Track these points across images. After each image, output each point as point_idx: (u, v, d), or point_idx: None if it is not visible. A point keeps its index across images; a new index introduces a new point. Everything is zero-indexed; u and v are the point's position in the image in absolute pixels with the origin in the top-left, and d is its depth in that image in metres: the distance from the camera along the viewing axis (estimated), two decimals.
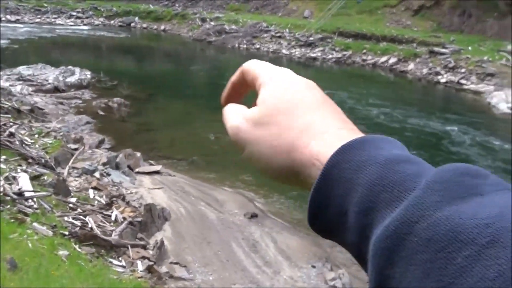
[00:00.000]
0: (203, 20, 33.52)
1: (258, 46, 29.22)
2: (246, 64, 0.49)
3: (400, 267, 0.28)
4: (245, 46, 29.34)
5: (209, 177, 9.57)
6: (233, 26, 31.46)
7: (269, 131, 0.41)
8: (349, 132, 0.39)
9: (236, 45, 29.42)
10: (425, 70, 23.29)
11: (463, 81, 21.53)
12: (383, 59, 25.30)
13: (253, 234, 7.24)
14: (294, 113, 0.41)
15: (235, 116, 0.46)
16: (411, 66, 24.14)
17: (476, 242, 0.25)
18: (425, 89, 21.64)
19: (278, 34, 29.87)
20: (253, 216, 7.86)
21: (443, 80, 22.08)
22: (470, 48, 24.33)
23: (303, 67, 25.65)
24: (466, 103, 19.02)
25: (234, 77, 0.51)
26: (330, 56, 26.73)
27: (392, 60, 24.94)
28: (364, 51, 26.34)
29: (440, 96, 20.69)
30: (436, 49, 24.43)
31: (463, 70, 22.25)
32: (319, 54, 27.14)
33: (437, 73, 22.73)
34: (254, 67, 0.48)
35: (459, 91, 20.82)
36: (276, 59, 27.10)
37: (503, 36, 25.87)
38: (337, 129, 0.39)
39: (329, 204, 0.35)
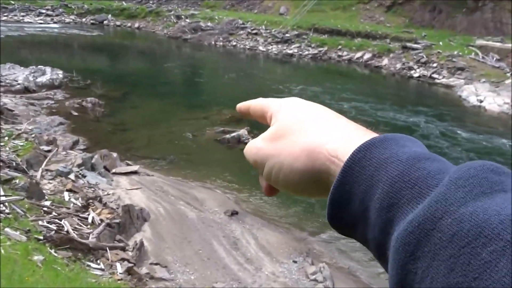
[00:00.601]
0: (178, 17, 33.15)
1: (234, 43, 29.12)
2: (254, 102, 0.51)
3: (423, 262, 0.28)
4: (221, 43, 29.19)
5: (188, 176, 9.49)
6: (209, 23, 31.24)
7: (286, 141, 0.42)
8: (365, 132, 0.40)
9: (213, 43, 29.24)
10: (398, 65, 23.73)
11: (435, 76, 22.05)
12: (358, 54, 25.63)
13: (233, 231, 7.22)
14: (309, 122, 0.43)
15: (253, 140, 0.48)
16: (385, 61, 24.55)
17: (501, 237, 0.25)
18: (399, 83, 22.05)
19: (254, 31, 29.84)
20: (234, 213, 7.84)
21: (416, 75, 22.55)
22: (441, 43, 24.92)
23: (280, 63, 25.72)
24: (438, 96, 19.49)
25: (252, 104, 0.52)
26: (307, 52, 26.90)
27: (367, 55, 25.29)
28: (340, 47, 26.62)
29: (413, 90, 21.12)
30: (408, 44, 24.92)
31: (434, 65, 22.79)
32: (295, 50, 27.27)
33: (410, 68, 23.20)
34: (263, 103, 0.50)
35: (431, 85, 21.31)
36: (253, 56, 27.09)
37: (472, 31, 26.62)
38: (353, 130, 0.41)
39: (350, 201, 0.35)
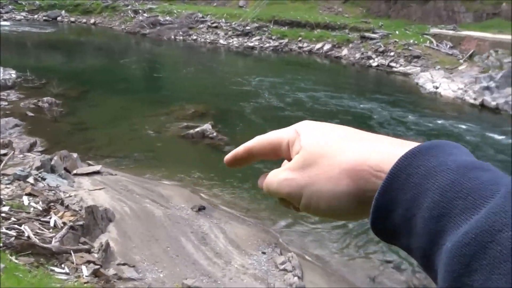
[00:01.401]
0: (136, 12, 32.34)
1: (195, 37, 28.78)
2: (255, 142, 0.48)
3: (480, 275, 0.27)
4: (181, 37, 28.77)
5: (153, 173, 9.36)
6: (168, 17, 30.69)
7: (320, 166, 0.40)
8: (403, 142, 0.39)
9: (172, 37, 28.76)
10: (357, 55, 24.26)
11: (392, 64, 22.72)
12: (318, 45, 25.97)
13: (201, 226, 7.21)
14: (339, 143, 0.41)
15: (279, 173, 0.44)
16: (344, 51, 25.02)
17: None
18: (358, 73, 22.57)
19: (214, 25, 29.60)
20: (201, 208, 7.82)
21: (374, 64, 23.14)
22: (397, 32, 25.66)
23: (241, 56, 25.68)
24: (396, 84, 20.11)
25: (252, 145, 0.48)
26: (268, 44, 26.98)
27: (327, 46, 25.68)
28: (300, 38, 26.87)
29: (372, 79, 21.69)
30: (366, 34, 25.51)
31: (392, 54, 23.46)
32: (256, 43, 27.29)
33: (369, 57, 23.78)
34: (270, 137, 0.47)
35: (389, 74, 21.95)
36: (214, 50, 26.88)
37: (426, 20, 27.56)
38: (388, 142, 0.39)
39: (394, 208, 0.34)
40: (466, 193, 0.31)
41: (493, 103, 16.14)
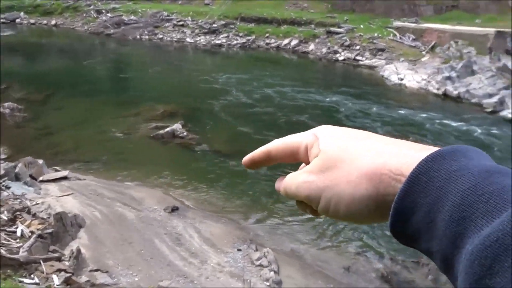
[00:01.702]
0: (99, 12, 31.52)
1: (161, 36, 28.36)
2: (273, 145, 0.48)
3: (502, 277, 0.27)
4: (147, 37, 28.28)
5: (123, 176, 9.18)
6: (132, 17, 30.09)
7: (340, 170, 0.40)
8: (423, 147, 0.39)
9: (138, 36, 28.23)
10: (324, 50, 24.56)
11: (358, 58, 23.14)
12: (286, 41, 26.13)
13: (175, 227, 7.14)
14: (358, 147, 0.41)
15: (297, 176, 0.44)
16: (311, 46, 25.28)
17: None
18: (325, 67, 22.86)
19: (180, 23, 29.26)
20: (174, 209, 7.74)
21: (341, 58, 23.50)
22: (362, 26, 26.14)
23: (209, 54, 25.51)
24: (363, 77, 20.51)
25: (270, 148, 0.49)
26: (235, 41, 26.91)
27: (294, 42, 25.87)
28: (267, 35, 26.95)
29: (339, 73, 22.03)
30: (332, 29, 25.86)
31: (357, 47, 23.89)
32: (224, 40, 27.17)
33: (336, 52, 24.13)
34: (288, 141, 0.47)
35: (356, 67, 22.35)
36: (181, 49, 26.58)
37: (389, 14, 28.21)
38: (407, 146, 0.39)
39: (414, 212, 0.35)
40: (488, 197, 0.31)
41: (455, 92, 16.73)
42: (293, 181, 0.45)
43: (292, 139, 0.47)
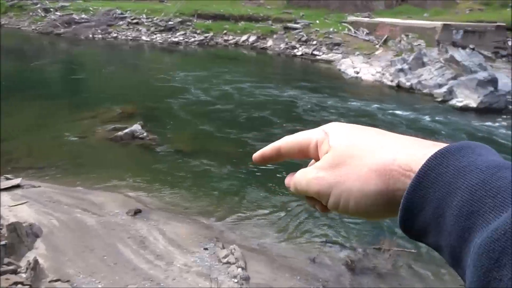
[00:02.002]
0: (46, 10, 30.16)
1: (115, 35, 27.55)
2: (283, 141, 0.48)
3: (510, 269, 0.28)
4: (100, 36, 27.38)
5: (81, 181, 8.85)
6: (83, 15, 29.02)
7: (350, 166, 0.40)
8: (432, 143, 0.39)
9: (90, 36, 27.28)
10: (282, 45, 24.79)
11: (316, 52, 23.54)
12: (244, 38, 26.13)
13: (139, 230, 6.98)
14: (367, 143, 0.41)
15: (307, 172, 0.45)
16: (269, 42, 25.43)
17: None
18: (284, 63, 23.09)
19: (135, 21, 28.55)
20: (137, 212, 7.56)
21: (299, 53, 23.82)
22: (317, 21, 26.59)
23: (166, 52, 25.08)
24: (321, 71, 20.89)
25: (280, 144, 0.49)
26: (193, 39, 26.61)
27: (252, 38, 25.92)
28: (225, 31, 26.84)
29: (298, 68, 22.32)
30: (289, 24, 26.13)
31: (314, 42, 24.29)
32: (181, 38, 26.79)
33: (293, 47, 24.41)
34: (298, 138, 0.47)
35: (314, 62, 22.72)
36: (137, 47, 25.95)
37: (343, 9, 28.85)
38: (416, 142, 0.40)
39: (424, 206, 0.35)
40: (496, 191, 0.31)
41: (408, 84, 17.39)
42: (304, 177, 0.45)
43: (302, 135, 0.48)
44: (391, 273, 6.31)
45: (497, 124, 13.68)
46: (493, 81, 15.38)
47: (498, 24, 21.70)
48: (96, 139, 11.10)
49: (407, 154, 0.39)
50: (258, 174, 9.67)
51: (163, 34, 27.15)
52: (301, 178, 0.46)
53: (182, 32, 27.17)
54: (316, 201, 0.46)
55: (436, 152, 0.36)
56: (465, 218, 0.32)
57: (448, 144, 0.37)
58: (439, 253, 0.36)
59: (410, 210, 0.36)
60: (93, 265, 5.88)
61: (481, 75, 15.66)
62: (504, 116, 14.42)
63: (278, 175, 9.65)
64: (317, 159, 0.46)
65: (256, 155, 0.51)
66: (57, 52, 24.62)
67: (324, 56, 22.98)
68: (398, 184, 0.38)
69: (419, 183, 0.35)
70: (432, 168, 0.35)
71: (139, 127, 11.29)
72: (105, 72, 19.45)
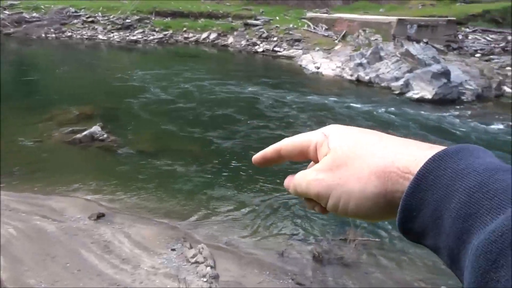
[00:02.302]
0: None
1: (70, 34, 26.56)
2: (283, 143, 0.49)
3: (507, 271, 0.28)
4: (54, 35, 26.31)
5: (39, 187, 8.49)
6: (35, 14, 27.77)
7: (349, 168, 0.41)
8: (430, 146, 0.39)
9: (43, 35, 26.16)
10: (243, 42, 24.78)
11: (277, 49, 23.70)
12: (204, 35, 25.91)
13: (103, 235, 6.79)
14: (367, 146, 0.41)
15: (307, 174, 0.45)
16: (230, 39, 25.35)
17: None
18: (246, 59, 23.10)
19: (90, 19, 27.64)
20: (100, 216, 7.35)
21: (260, 50, 23.90)
22: (277, 18, 26.77)
23: (125, 51, 24.46)
24: (282, 67, 21.07)
25: (280, 146, 0.50)
26: (152, 37, 26.09)
27: (213, 35, 25.75)
28: (185, 29, 26.50)
29: (260, 65, 22.40)
30: (249, 21, 26.15)
31: (275, 39, 24.44)
32: (139, 36, 26.21)
33: (254, 44, 24.46)
34: (298, 140, 0.48)
35: (275, 58, 22.87)
36: (93, 46, 25.14)
37: (302, 5, 29.19)
38: (415, 145, 0.40)
39: (422, 208, 0.35)
40: (493, 194, 0.32)
41: (366, 78, 17.87)
42: (303, 179, 0.45)
43: (301, 138, 0.48)
44: (356, 262, 6.49)
45: (450, 114, 14.33)
46: (446, 73, 16.08)
47: (449, 18, 22.70)
48: (53, 143, 10.68)
49: (406, 156, 0.39)
50: (224, 172, 9.65)
51: (121, 33, 26.45)
52: (300, 180, 0.46)
53: (141, 30, 26.58)
54: (316, 203, 0.46)
55: (434, 155, 0.36)
56: (463, 220, 0.33)
57: (446, 147, 0.38)
58: (437, 254, 0.36)
59: (409, 212, 0.37)
60: (55, 274, 5.67)
61: (435, 67, 16.33)
62: (457, 107, 15.12)
63: (243, 172, 9.67)
64: (316, 161, 0.46)
65: (256, 156, 0.52)
66: (7, 53, 23.42)
67: (285, 52, 23.18)
68: (397, 186, 0.39)
69: (417, 185, 0.36)
70: (430, 171, 0.36)
71: (99, 129, 10.97)
72: (60, 72, 18.73)
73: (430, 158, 0.36)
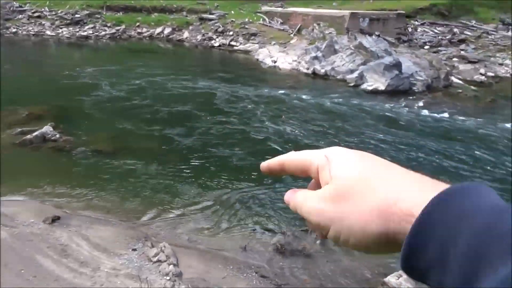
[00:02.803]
0: None
1: (14, 30, 25.18)
2: (287, 157, 0.49)
3: None
4: None
5: None
6: None
7: (352, 203, 0.40)
8: (435, 183, 0.38)
9: None
10: (199, 37, 24.51)
11: (233, 43, 23.63)
12: (158, 30, 25.38)
13: (59, 238, 6.55)
14: (369, 179, 0.40)
15: (308, 199, 0.45)
16: (186, 34, 24.99)
17: None
18: (202, 54, 22.88)
19: (36, 14, 26.33)
20: (55, 219, 7.07)
21: (216, 44, 23.73)
22: (232, 12, 26.67)
23: (75, 48, 23.52)
24: (239, 62, 21.05)
25: (284, 160, 0.50)
26: (103, 32, 25.24)
27: (167, 30, 25.27)
28: (138, 24, 25.84)
29: (216, 59, 22.27)
30: (204, 15, 25.88)
31: (231, 33, 24.35)
32: (90, 31, 25.27)
33: (210, 38, 24.26)
34: (301, 157, 0.48)
35: (232, 52, 22.80)
36: (41, 43, 23.97)
37: None
38: (421, 181, 0.39)
39: (426, 248, 0.35)
40: (501, 236, 0.31)
41: (322, 71, 18.23)
42: (304, 204, 0.45)
43: (304, 156, 0.48)
44: (319, 252, 6.65)
45: (403, 104, 14.92)
46: (398, 65, 16.70)
47: (398, 12, 23.55)
48: (1, 145, 10.12)
49: (409, 196, 0.38)
50: (184, 169, 9.55)
51: (70, 28, 25.38)
52: (302, 204, 0.46)
53: (91, 26, 25.63)
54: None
55: (438, 194, 0.36)
56: (469, 263, 0.32)
57: (449, 187, 0.37)
58: None
59: (412, 254, 0.36)
60: (8, 282, 5.41)
61: (387, 59, 16.91)
62: (409, 97, 15.77)
63: (203, 169, 9.61)
64: (317, 180, 0.46)
65: (264, 165, 0.52)
66: None
67: (241, 47, 23.16)
68: (399, 228, 0.38)
69: (420, 228, 0.35)
70: (435, 210, 0.35)
71: (50, 129, 10.51)
72: (5, 71, 17.72)
73: (434, 198, 0.36)
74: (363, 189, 0.41)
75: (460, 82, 18.03)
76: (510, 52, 21.34)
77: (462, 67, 19.67)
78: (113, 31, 25.26)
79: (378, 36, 20.70)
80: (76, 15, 25.98)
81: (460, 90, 16.87)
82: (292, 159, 0.49)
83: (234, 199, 8.33)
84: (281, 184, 8.96)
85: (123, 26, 25.56)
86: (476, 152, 11.02)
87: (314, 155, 0.47)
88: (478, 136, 12.06)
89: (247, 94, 15.08)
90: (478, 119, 13.36)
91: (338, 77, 17.63)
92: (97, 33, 25.06)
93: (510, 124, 13.06)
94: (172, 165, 9.64)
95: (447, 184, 0.38)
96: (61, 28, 25.39)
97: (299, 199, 0.46)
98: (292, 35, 23.07)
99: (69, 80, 15.91)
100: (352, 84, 16.77)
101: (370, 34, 20.49)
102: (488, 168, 10.19)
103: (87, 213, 7.55)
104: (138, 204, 8.03)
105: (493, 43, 22.53)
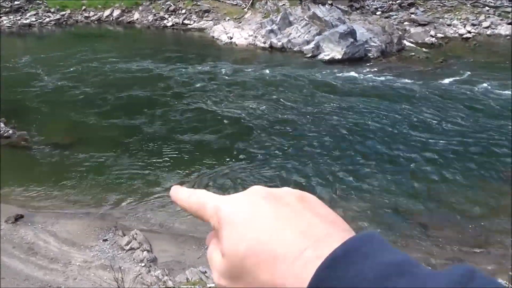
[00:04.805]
0: None
1: None
2: (192, 196, 0.47)
3: None
4: None
5: None
6: None
7: (246, 283, 0.41)
8: (315, 250, 0.37)
9: None
10: (150, 17, 23.71)
11: (186, 22, 23.04)
12: (107, 13, 24.32)
13: (25, 237, 6.36)
14: (261, 253, 0.39)
15: (213, 268, 0.44)
16: (136, 15, 24.10)
17: None
18: (155, 35, 22.22)
19: None
20: (18, 218, 6.85)
21: (169, 24, 23.06)
22: None
23: (18, 37, 22.21)
24: (194, 40, 20.63)
25: (184, 201, 0.48)
26: (48, 19, 23.90)
27: (116, 12, 24.26)
28: (84, 7, 24.61)
29: (170, 39, 21.69)
30: None
31: (183, 11, 23.70)
32: (33, 19, 23.86)
33: (162, 18, 23.52)
34: (199, 201, 0.46)
35: (186, 31, 22.27)
36: None
37: None
38: (300, 255, 0.37)
39: None
40: None
41: (279, 44, 18.18)
42: (212, 267, 0.45)
43: (202, 203, 0.46)
44: None
45: (359, 70, 15.20)
46: (352, 33, 16.90)
47: None
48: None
49: (292, 275, 0.37)
50: (148, 155, 9.41)
51: (10, 17, 23.84)
52: (210, 265, 0.46)
53: (33, 13, 24.17)
54: None
55: (320, 265, 0.35)
56: None
57: (333, 251, 0.35)
58: None
59: None
60: None
61: (341, 28, 17.07)
62: (365, 64, 16.08)
63: (168, 154, 9.49)
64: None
65: (172, 192, 0.50)
66: None
67: (195, 25, 22.64)
68: None
69: None
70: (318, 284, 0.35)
71: (2, 125, 10.01)
72: None
73: (317, 270, 0.35)
74: (252, 267, 0.40)
75: (412, 45, 18.52)
76: (457, 13, 22.07)
77: (413, 30, 20.18)
78: (58, 17, 23.97)
79: (331, 5, 20.78)
80: (16, 2, 24.39)
81: (413, 53, 17.36)
82: (192, 202, 0.47)
83: (200, 180, 8.32)
84: (251, 164, 9.02)
85: (68, 11, 24.29)
86: (430, 110, 11.50)
87: (205, 205, 0.45)
88: (427, 97, 12.54)
89: (205, 72, 14.88)
90: (430, 81, 13.85)
91: (295, 49, 17.66)
92: (40, 20, 23.70)
93: (453, 80, 13.66)
94: (134, 152, 9.47)
95: (335, 243, 0.36)
96: (0, 16, 23.80)
97: (209, 254, 0.46)
98: (246, 9, 22.75)
99: (14, 72, 15.08)
100: (309, 55, 16.87)
101: (323, 4, 20.54)
102: (435, 123, 10.69)
103: (52, 208, 7.35)
104: (104, 194, 7.88)
105: (441, 4, 23.18)
